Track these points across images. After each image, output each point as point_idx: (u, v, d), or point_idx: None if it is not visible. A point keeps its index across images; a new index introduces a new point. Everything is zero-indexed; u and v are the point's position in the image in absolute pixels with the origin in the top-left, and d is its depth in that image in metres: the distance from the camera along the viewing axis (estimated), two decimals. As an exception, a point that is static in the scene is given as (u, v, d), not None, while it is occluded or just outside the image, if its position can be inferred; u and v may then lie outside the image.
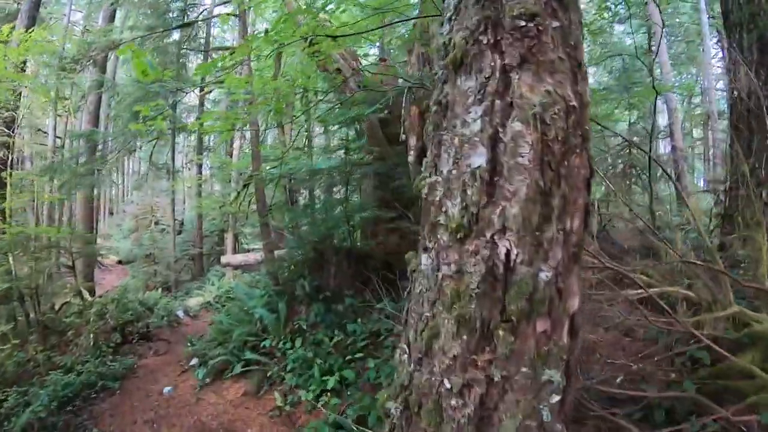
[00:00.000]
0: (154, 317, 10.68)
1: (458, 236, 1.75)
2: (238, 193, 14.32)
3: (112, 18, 15.01)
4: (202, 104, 18.82)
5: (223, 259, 16.73)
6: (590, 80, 9.05)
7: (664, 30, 11.84)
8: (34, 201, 12.16)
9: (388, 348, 5.94)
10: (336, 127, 9.77)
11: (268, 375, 6.70)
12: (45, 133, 18.27)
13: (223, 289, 14.86)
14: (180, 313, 12.09)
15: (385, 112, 8.16)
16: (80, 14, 20.40)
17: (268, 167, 9.76)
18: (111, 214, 35.62)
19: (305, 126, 12.81)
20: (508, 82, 1.71)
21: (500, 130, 1.70)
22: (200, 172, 19.23)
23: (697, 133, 22.00)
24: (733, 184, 6.75)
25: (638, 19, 14.00)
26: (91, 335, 8.07)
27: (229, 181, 19.56)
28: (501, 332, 1.68)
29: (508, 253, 1.66)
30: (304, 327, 7.06)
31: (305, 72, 7.16)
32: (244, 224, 17.43)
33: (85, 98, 15.76)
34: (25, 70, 10.54)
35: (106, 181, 14.30)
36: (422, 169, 2.02)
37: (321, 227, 7.76)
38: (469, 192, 1.73)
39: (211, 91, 17.16)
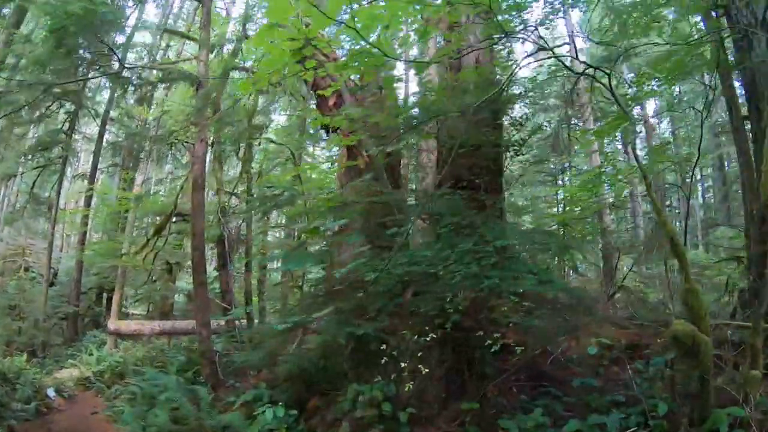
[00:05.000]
0: (17, 398, 7.67)
1: None
2: (148, 240, 11.65)
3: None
4: (102, 136, 15.87)
5: (111, 325, 13.44)
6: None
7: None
8: None
9: None
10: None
11: None
12: None
13: (107, 362, 11.76)
14: (51, 393, 9.03)
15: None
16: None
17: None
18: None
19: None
20: None
21: None
22: (89, 205, 15.63)
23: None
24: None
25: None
26: None
27: (117, 229, 16.31)
28: None
29: None
30: None
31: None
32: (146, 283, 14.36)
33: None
34: None
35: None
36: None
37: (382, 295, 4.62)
38: None
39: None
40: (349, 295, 4.87)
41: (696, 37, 8.94)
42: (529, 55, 4.02)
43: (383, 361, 4.69)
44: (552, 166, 17.00)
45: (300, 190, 8.63)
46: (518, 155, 7.27)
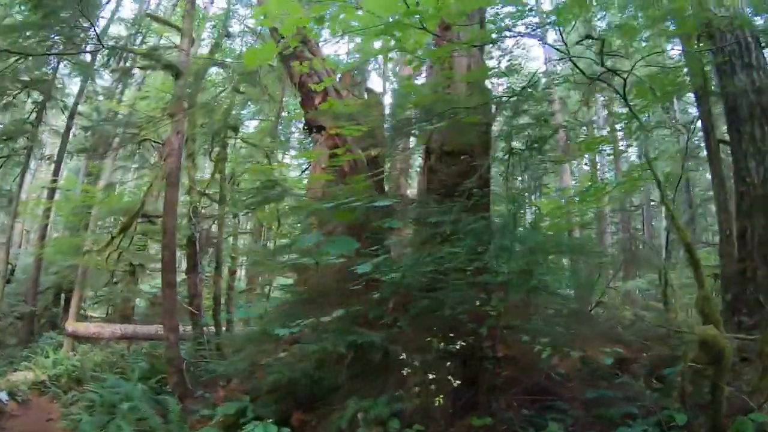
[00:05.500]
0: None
1: None
2: (112, 237, 11.14)
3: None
4: (69, 129, 15.28)
5: (69, 327, 12.84)
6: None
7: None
8: None
9: None
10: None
11: None
12: None
13: (63, 366, 11.17)
14: (3, 396, 8.53)
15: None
16: None
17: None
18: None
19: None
20: None
21: None
22: (52, 197, 15.00)
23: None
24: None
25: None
26: None
27: (79, 227, 15.58)
28: None
29: None
30: None
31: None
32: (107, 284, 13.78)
33: None
34: None
35: None
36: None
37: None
38: None
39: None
40: (363, 297, 4.55)
41: (677, 60, 9.16)
42: (560, 60, 3.98)
43: (391, 373, 4.32)
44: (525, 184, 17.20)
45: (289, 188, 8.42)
46: (540, 154, 7.25)
